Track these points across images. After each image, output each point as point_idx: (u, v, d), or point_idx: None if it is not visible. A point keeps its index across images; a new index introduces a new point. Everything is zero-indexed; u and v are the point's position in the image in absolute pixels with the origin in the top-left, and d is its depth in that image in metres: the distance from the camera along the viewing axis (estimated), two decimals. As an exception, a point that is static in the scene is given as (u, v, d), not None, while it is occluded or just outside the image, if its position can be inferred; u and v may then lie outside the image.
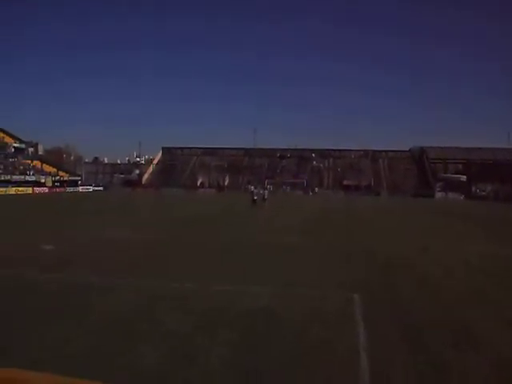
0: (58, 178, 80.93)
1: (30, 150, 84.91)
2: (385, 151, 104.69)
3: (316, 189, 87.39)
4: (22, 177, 71.57)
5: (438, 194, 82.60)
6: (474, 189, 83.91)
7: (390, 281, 9.76)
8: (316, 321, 6.74)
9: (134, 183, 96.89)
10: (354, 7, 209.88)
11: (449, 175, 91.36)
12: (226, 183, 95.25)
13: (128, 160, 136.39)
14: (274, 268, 10.83)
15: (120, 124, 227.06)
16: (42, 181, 74.93)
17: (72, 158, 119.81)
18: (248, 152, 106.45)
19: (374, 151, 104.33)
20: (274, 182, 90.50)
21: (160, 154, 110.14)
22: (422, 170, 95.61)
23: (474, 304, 7.93)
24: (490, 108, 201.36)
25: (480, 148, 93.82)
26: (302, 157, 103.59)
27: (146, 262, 11.49)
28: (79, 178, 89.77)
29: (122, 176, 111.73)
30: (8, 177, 67.93)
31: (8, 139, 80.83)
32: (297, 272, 10.39)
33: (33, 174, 74.83)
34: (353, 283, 9.23)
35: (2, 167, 70.90)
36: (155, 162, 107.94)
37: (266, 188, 67.26)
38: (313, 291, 8.49)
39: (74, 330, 6.10)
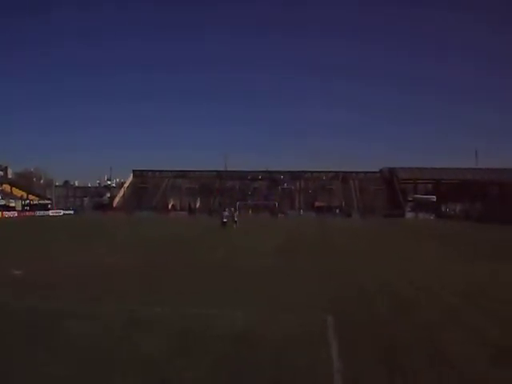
0: (27, 201, 79.53)
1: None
2: (355, 172, 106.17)
3: (289, 212, 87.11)
4: (-9, 201, 70.24)
5: (409, 214, 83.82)
6: (443, 208, 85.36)
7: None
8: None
9: (105, 206, 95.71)
10: (329, 32, 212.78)
11: (419, 195, 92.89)
12: (197, 206, 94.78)
13: (99, 183, 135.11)
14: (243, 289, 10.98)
15: (91, 147, 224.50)
16: (12, 205, 73.51)
17: (42, 181, 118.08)
18: (219, 174, 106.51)
19: (345, 172, 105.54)
20: (245, 205, 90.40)
21: (131, 177, 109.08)
22: (392, 190, 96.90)
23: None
24: (458, 129, 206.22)
25: (449, 168, 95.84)
26: (273, 179, 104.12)
27: (123, 287, 11.51)
28: (49, 202, 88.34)
29: (93, 199, 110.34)
30: (-24, 201, 66.61)
31: (-24, 162, 79.53)
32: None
33: (2, 198, 73.40)
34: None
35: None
36: (126, 185, 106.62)
37: (237, 210, 66.95)
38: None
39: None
